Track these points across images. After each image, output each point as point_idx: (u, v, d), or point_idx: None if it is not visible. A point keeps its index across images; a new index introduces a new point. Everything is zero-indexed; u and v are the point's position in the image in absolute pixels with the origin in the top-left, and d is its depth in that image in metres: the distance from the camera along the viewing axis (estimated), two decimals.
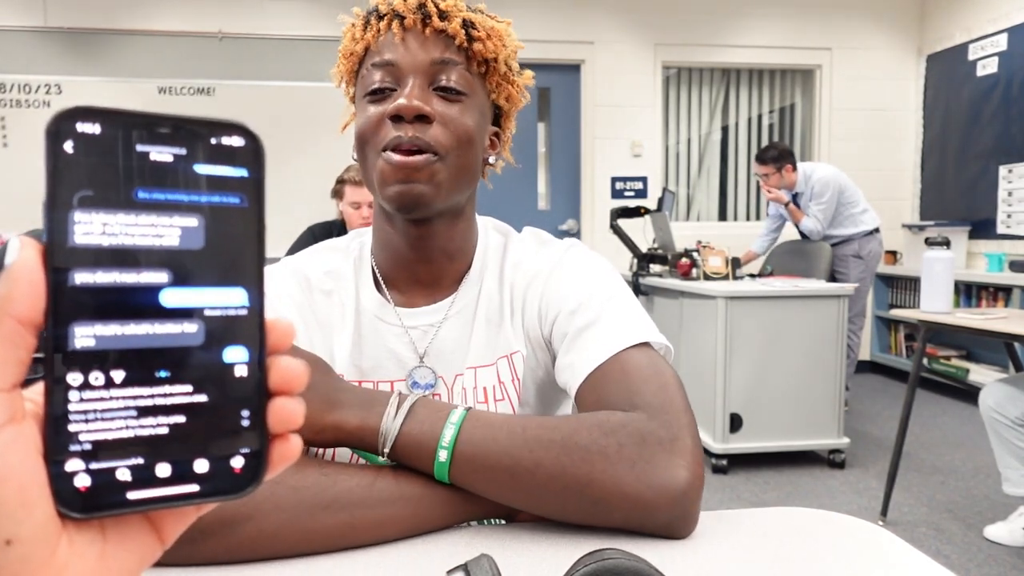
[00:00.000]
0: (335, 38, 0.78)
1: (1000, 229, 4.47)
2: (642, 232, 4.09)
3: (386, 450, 0.63)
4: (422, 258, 0.79)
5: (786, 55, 5.08)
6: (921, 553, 0.59)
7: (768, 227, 4.30)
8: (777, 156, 3.95)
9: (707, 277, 3.37)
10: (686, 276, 3.41)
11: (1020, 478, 2.28)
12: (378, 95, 0.72)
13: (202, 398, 0.26)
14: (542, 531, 0.63)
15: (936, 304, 2.45)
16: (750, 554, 0.59)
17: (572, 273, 0.79)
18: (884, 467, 2.74)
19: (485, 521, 0.68)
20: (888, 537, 0.63)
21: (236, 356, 0.26)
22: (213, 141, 0.26)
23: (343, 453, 0.77)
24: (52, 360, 0.24)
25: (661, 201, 4.02)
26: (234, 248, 0.26)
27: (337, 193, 2.82)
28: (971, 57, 4.69)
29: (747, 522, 0.66)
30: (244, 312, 0.27)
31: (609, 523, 0.62)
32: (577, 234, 4.96)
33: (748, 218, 5.27)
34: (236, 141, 0.26)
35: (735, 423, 3.04)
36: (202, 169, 0.26)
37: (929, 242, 2.49)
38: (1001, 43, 4.47)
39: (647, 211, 3.95)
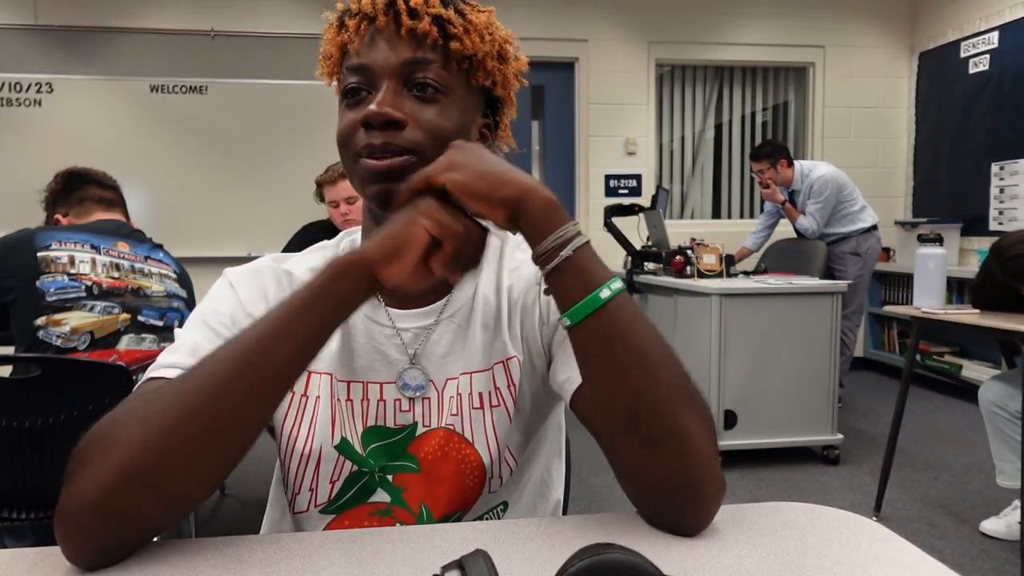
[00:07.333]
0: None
1: (992, 226, 4.49)
2: (636, 230, 4.09)
3: (563, 252, 0.63)
4: None
5: (779, 53, 5.10)
6: (914, 547, 0.59)
7: (762, 223, 4.31)
8: (771, 151, 3.97)
9: (701, 274, 3.37)
10: (680, 274, 3.42)
11: (1015, 471, 2.30)
12: (353, 98, 0.72)
13: None
14: (537, 527, 0.63)
15: (929, 300, 2.46)
16: (745, 549, 0.59)
17: None
18: (878, 463, 2.75)
19: (481, 517, 0.68)
20: (882, 531, 0.63)
21: None
22: None
23: (329, 454, 0.75)
24: None
25: (655, 199, 4.03)
26: None
27: (320, 196, 2.80)
28: (963, 55, 4.71)
29: (741, 517, 0.66)
30: None
31: (663, 462, 0.61)
32: None
33: (742, 215, 5.28)
34: None
35: (729, 420, 3.05)
36: None
37: (922, 239, 2.50)
38: (993, 41, 4.49)
39: (641, 209, 3.96)
